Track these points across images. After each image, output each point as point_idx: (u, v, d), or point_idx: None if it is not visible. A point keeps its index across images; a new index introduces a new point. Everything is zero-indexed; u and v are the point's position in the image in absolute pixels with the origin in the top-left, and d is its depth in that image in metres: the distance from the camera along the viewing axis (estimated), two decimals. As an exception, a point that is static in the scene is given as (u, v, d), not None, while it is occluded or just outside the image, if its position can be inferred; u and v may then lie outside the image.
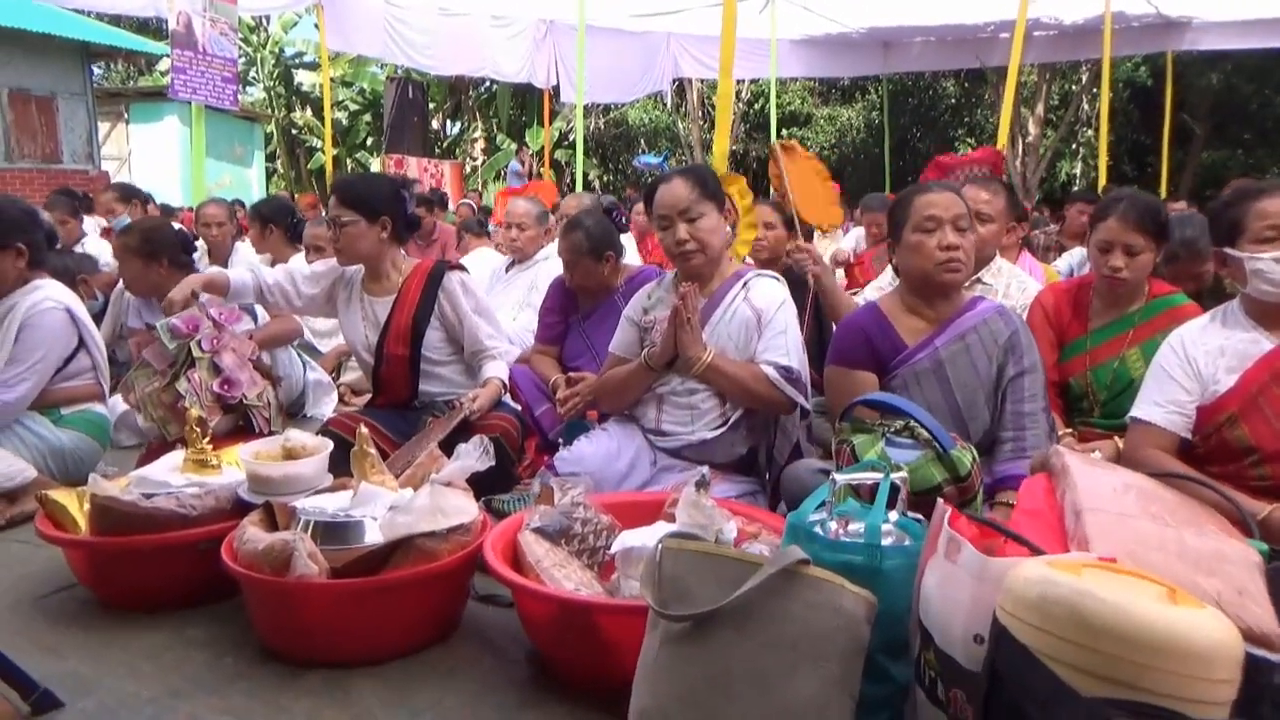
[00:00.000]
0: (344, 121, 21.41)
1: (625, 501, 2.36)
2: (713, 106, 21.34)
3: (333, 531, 2.06)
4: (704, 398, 2.66)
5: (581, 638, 1.83)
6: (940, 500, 1.56)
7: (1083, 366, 2.86)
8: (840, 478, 1.73)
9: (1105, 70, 10.96)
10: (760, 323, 2.65)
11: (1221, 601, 1.40)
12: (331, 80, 11.81)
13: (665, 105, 20.48)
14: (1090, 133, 20.72)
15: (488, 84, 21.26)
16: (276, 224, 5.03)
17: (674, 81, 16.42)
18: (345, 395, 4.48)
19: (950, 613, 1.44)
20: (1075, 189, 19.75)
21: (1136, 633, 1.15)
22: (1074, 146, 20.60)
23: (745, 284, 2.71)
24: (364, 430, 2.20)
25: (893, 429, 2.08)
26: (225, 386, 2.98)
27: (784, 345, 2.62)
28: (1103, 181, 11.22)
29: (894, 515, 1.73)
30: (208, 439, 2.49)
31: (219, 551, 2.14)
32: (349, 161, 21.71)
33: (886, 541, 1.65)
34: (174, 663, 2.06)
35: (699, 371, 2.60)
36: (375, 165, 16.51)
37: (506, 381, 3.11)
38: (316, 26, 12.04)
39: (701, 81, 18.43)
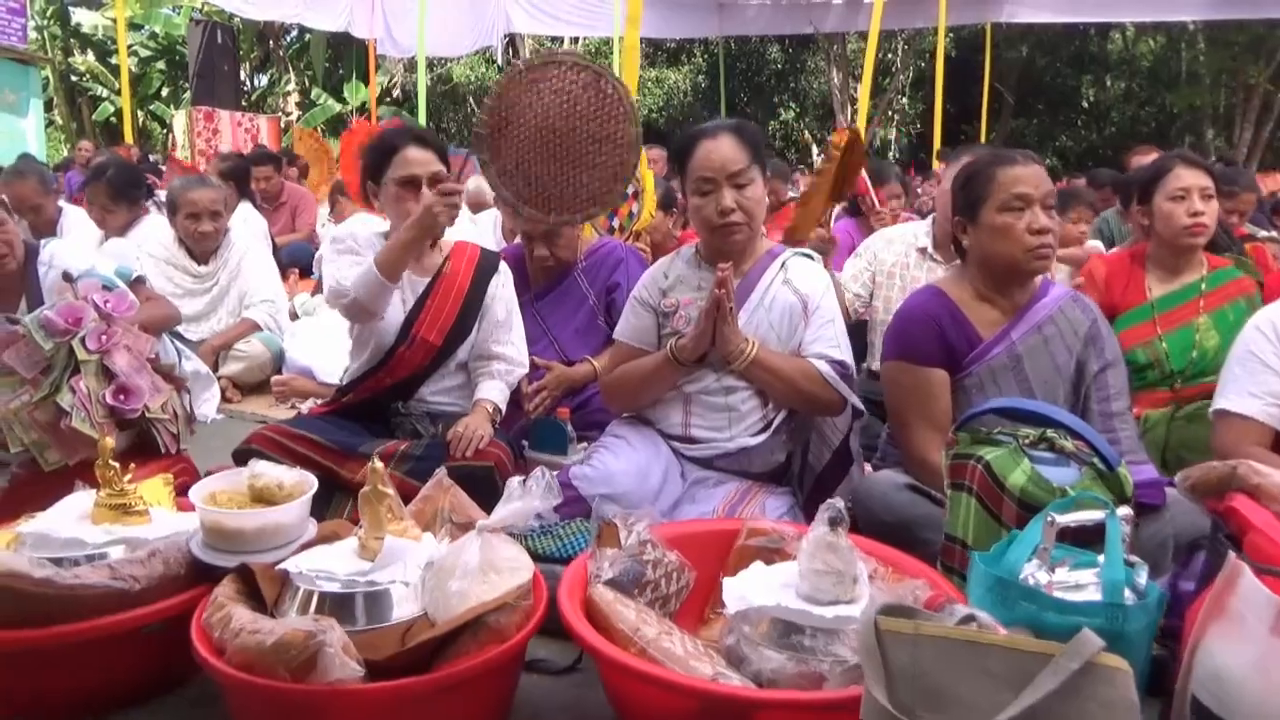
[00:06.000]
0: (133, 69, 19.21)
1: (685, 533, 1.94)
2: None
3: (351, 607, 1.54)
4: (744, 398, 2.27)
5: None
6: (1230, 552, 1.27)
7: (1150, 334, 2.72)
8: (1060, 518, 1.40)
9: (940, 37, 11.34)
10: (806, 310, 2.28)
11: None
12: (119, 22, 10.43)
13: (495, 62, 19.56)
14: (904, 100, 21.56)
15: (298, 32, 19.63)
16: (130, 199, 4.15)
17: (505, 37, 15.69)
18: (227, 390, 3.77)
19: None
20: (892, 154, 20.58)
21: None
22: (890, 114, 21.34)
23: (783, 264, 2.34)
24: (379, 465, 1.67)
25: (1026, 440, 1.78)
26: (121, 396, 2.32)
27: (833, 336, 2.27)
28: (937, 146, 11.57)
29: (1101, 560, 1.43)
30: (129, 476, 1.88)
31: (170, 634, 1.60)
32: (141, 113, 19.55)
33: (1128, 599, 1.34)
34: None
35: (742, 367, 2.21)
36: (177, 117, 14.76)
37: (503, 408, 2.61)
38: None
39: (533, 38, 17.72)
